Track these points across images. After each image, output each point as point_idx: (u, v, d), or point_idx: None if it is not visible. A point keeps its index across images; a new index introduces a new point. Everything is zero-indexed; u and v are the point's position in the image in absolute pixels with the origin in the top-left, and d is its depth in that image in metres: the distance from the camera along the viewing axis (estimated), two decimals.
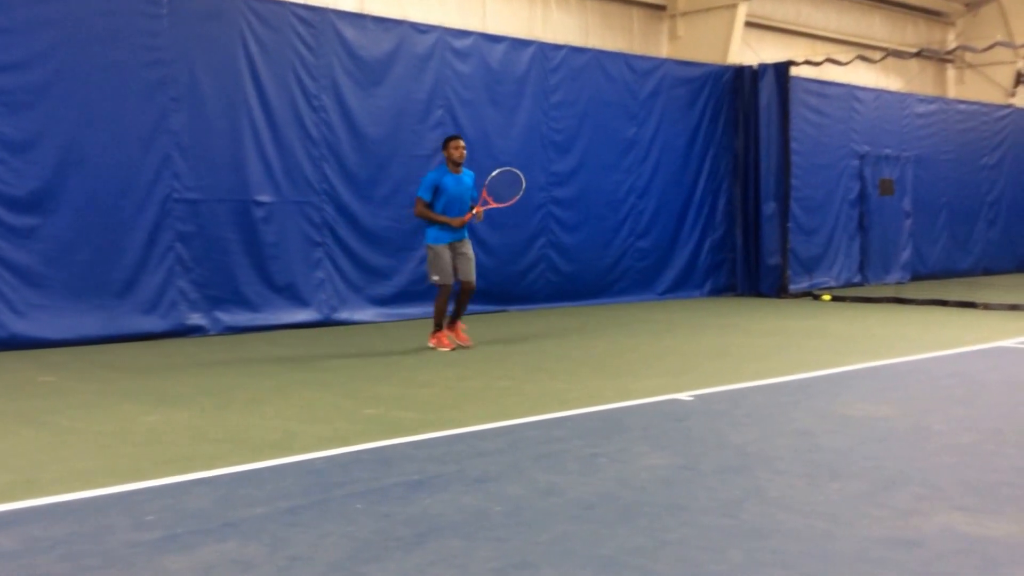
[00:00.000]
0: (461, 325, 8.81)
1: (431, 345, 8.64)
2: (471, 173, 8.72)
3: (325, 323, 10.33)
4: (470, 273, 8.62)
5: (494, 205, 8.71)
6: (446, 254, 8.49)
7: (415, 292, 11.17)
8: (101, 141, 8.99)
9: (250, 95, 9.91)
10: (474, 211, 8.53)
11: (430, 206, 8.44)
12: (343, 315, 10.53)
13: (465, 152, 8.57)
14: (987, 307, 12.20)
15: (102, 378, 7.16)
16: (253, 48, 9.93)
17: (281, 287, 10.09)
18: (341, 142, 10.60)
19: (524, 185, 8.82)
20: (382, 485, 4.24)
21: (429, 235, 8.54)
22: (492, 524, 3.71)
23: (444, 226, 8.44)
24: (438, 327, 8.63)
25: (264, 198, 10.01)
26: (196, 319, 9.47)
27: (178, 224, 9.43)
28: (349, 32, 10.65)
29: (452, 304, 8.70)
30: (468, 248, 8.64)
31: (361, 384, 6.94)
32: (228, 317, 9.67)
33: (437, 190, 8.43)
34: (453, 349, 8.55)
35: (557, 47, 12.64)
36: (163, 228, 9.34)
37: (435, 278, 8.53)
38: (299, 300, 10.23)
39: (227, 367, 7.69)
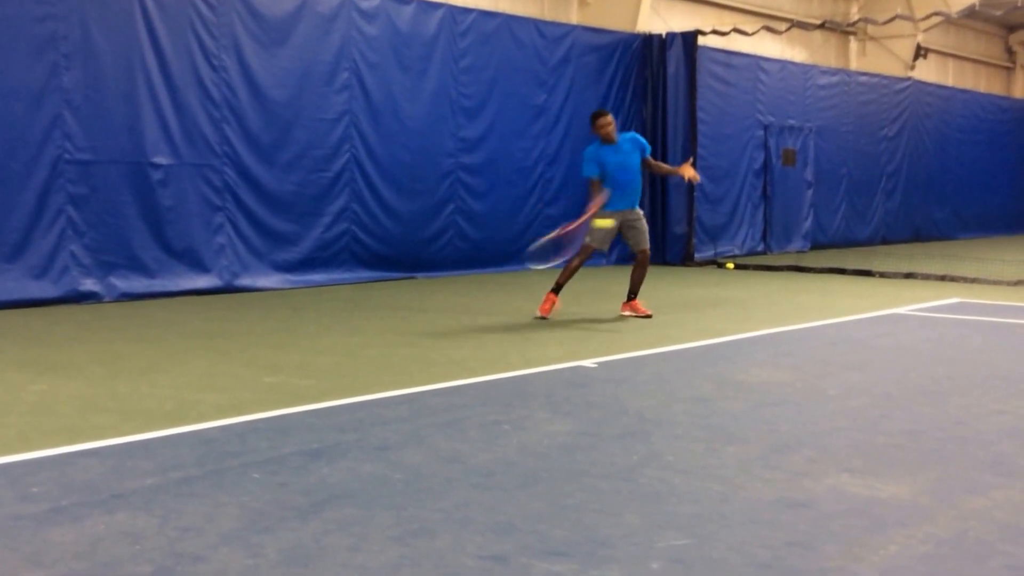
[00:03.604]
0: (637, 300, 8.72)
1: (626, 312, 8.63)
2: (630, 136, 8.68)
3: (226, 289, 10.07)
4: (643, 242, 8.59)
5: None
6: (608, 223, 8.42)
7: (321, 259, 10.99)
8: None
9: (146, 53, 9.51)
10: (684, 172, 8.73)
11: (599, 181, 8.37)
12: (245, 281, 10.28)
13: (612, 128, 8.48)
14: (883, 275, 12.63)
15: None
16: (149, 3, 9.52)
17: (179, 252, 9.78)
18: (243, 104, 10.29)
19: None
20: (279, 454, 4.16)
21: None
22: (391, 492, 3.68)
23: (609, 196, 8.34)
24: (557, 289, 8.46)
25: (161, 160, 9.65)
26: (89, 285, 9.11)
27: (69, 186, 9.03)
28: None
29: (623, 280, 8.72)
30: (640, 219, 8.59)
31: (261, 351, 6.80)
32: (123, 283, 9.34)
33: (599, 165, 8.38)
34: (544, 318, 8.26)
35: (467, 11, 12.49)
36: (54, 190, 8.93)
37: (586, 239, 8.42)
38: (199, 266, 9.94)
39: (121, 335, 7.44)
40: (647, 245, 8.65)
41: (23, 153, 8.75)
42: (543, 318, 8.31)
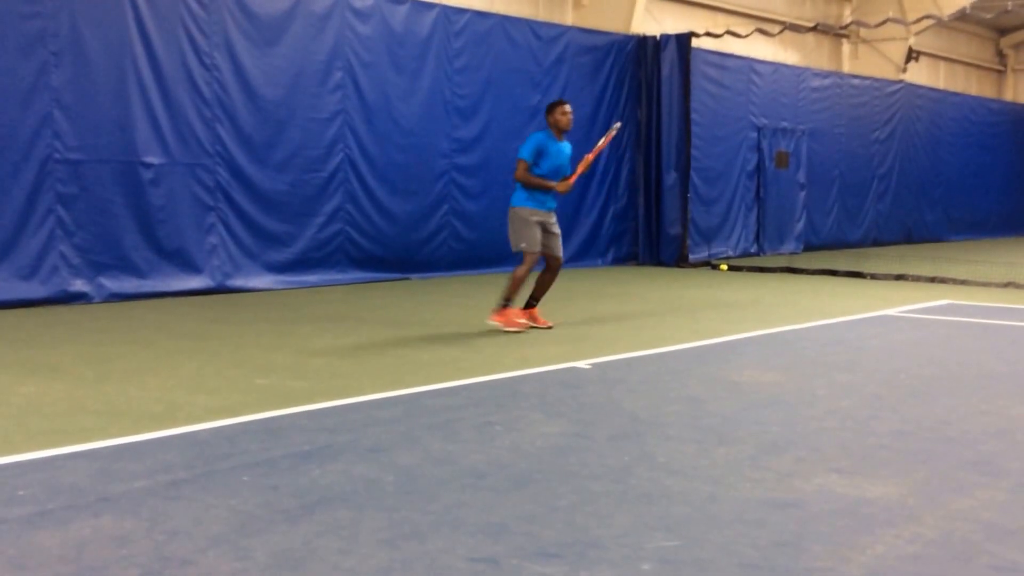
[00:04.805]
0: (537, 309, 7.97)
1: (495, 323, 7.65)
2: (569, 144, 7.99)
3: (218, 290, 10.03)
4: (559, 248, 7.90)
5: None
6: (533, 218, 7.71)
7: (314, 259, 10.96)
8: None
9: (137, 51, 9.47)
10: (580, 168, 7.86)
11: (530, 170, 7.67)
12: (237, 282, 10.24)
13: (569, 121, 7.83)
14: (874, 277, 12.65)
15: None
16: (140, 1, 9.48)
17: (170, 252, 9.74)
18: (235, 103, 10.25)
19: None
20: (270, 456, 4.13)
21: (519, 198, 7.71)
22: (383, 494, 3.66)
23: (541, 195, 7.68)
24: (506, 303, 7.64)
25: (152, 159, 9.61)
26: (79, 285, 9.07)
27: (59, 186, 8.98)
28: None
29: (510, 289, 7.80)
30: (556, 224, 7.89)
31: (252, 353, 6.76)
32: (114, 284, 9.29)
33: (540, 155, 7.68)
34: (526, 331, 7.60)
35: (461, 11, 12.47)
36: (43, 190, 8.88)
37: (523, 245, 7.68)
38: (190, 266, 9.90)
39: (110, 336, 7.40)
40: (562, 252, 7.99)
41: (12, 152, 8.70)
42: (501, 329, 7.66)
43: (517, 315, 7.74)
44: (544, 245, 7.84)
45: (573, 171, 7.99)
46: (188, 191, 9.90)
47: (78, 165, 9.11)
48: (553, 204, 7.87)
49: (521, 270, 7.72)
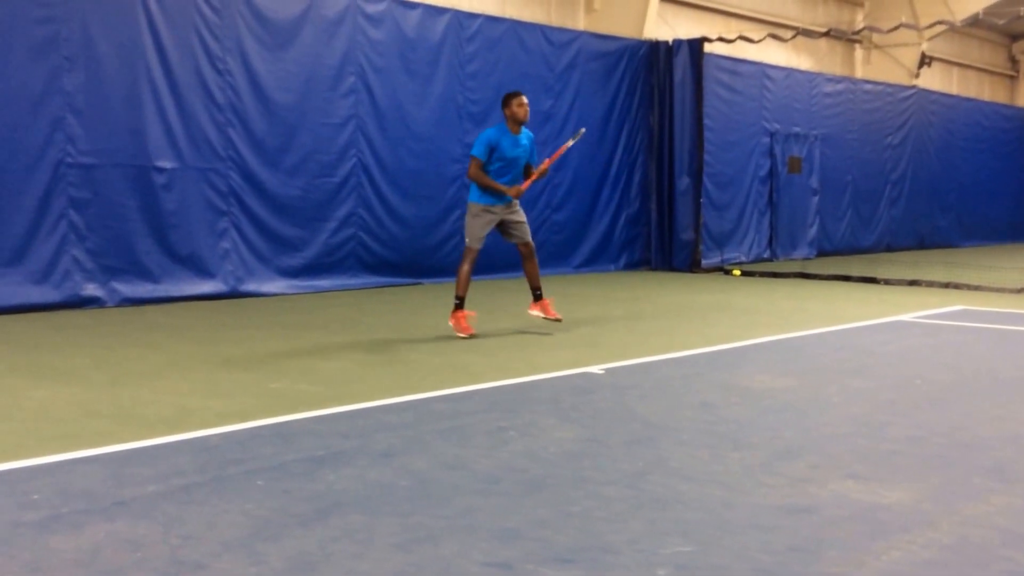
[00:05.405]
0: (548, 299, 7.95)
1: (451, 326, 7.68)
2: (530, 134, 7.85)
3: (231, 295, 10.05)
4: (526, 234, 7.82)
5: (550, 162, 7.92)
6: (485, 216, 7.66)
7: (327, 264, 10.97)
8: None
9: (150, 55, 9.50)
10: (534, 175, 7.71)
11: (485, 167, 7.58)
12: (250, 287, 10.26)
13: (526, 113, 7.66)
14: (887, 283, 12.60)
15: None
16: (152, 5, 9.50)
17: (183, 257, 9.76)
18: (247, 107, 10.28)
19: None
20: (283, 461, 4.13)
21: (474, 194, 7.69)
22: (396, 499, 3.65)
23: (495, 190, 7.62)
24: (458, 302, 7.65)
25: (164, 164, 9.64)
26: (92, 290, 9.09)
27: (71, 190, 9.01)
28: None
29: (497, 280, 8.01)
30: (519, 212, 7.81)
31: (264, 358, 6.76)
32: (126, 288, 9.32)
33: (493, 151, 7.56)
34: (472, 336, 7.53)
35: (473, 16, 12.49)
36: (55, 194, 8.91)
37: (467, 240, 7.73)
38: (203, 271, 9.92)
39: (122, 340, 7.41)
40: (530, 237, 7.90)
41: (24, 156, 8.73)
42: (472, 336, 7.54)
43: (469, 322, 7.68)
44: (511, 236, 7.85)
45: (540, 161, 7.98)
46: (201, 195, 9.93)
47: (91, 169, 9.14)
48: (506, 199, 7.72)
49: (462, 267, 7.71)
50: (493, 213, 7.73)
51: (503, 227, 7.86)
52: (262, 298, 10.19)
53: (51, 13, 8.83)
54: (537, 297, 7.99)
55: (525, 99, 7.75)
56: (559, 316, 8.02)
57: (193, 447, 4.36)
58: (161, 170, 9.62)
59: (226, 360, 6.64)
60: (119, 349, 7.02)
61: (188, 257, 9.80)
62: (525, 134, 7.82)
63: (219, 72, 10.03)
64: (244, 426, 4.73)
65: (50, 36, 8.83)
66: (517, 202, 7.86)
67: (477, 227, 7.72)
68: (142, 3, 9.44)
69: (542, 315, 7.98)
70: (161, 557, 3.06)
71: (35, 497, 3.62)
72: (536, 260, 8.00)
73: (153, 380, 5.86)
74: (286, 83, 10.57)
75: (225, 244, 10.11)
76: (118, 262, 9.29)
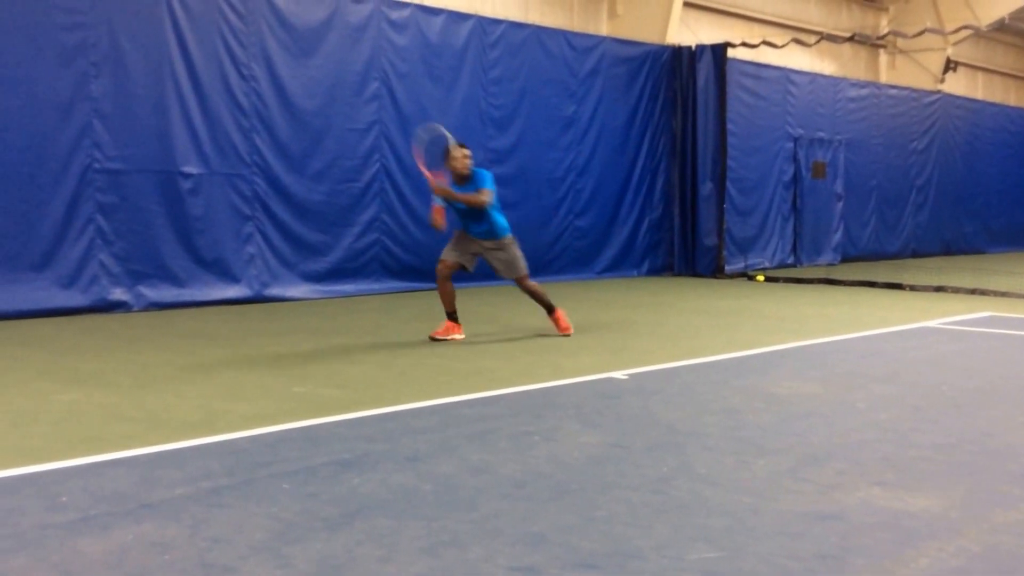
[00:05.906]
0: (559, 311, 8.06)
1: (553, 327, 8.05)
2: (484, 174, 7.93)
3: (256, 299, 10.12)
4: (514, 271, 7.93)
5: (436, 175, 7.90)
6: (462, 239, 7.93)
7: (350, 269, 11.02)
8: (15, 108, 8.62)
9: (176, 61, 9.60)
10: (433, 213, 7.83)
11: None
12: (275, 291, 10.33)
13: (463, 163, 7.76)
14: (913, 289, 12.48)
15: (16, 355, 6.90)
16: (179, 12, 9.61)
17: (209, 262, 9.84)
18: (272, 113, 10.36)
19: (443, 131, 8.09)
20: (310, 464, 4.15)
21: (504, 225, 7.97)
22: (422, 503, 3.66)
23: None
24: (550, 310, 8.01)
25: (190, 169, 9.73)
26: (118, 294, 9.19)
27: (98, 195, 9.12)
28: None
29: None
30: (501, 248, 7.91)
31: (290, 361, 6.80)
32: (153, 292, 9.41)
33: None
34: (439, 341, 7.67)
35: (496, 21, 12.52)
36: (83, 199, 9.02)
37: (525, 269, 7.96)
38: (228, 275, 9.99)
39: (149, 344, 7.47)
40: (522, 272, 7.92)
41: (52, 162, 8.84)
42: (440, 339, 7.73)
43: (455, 331, 7.89)
44: (495, 272, 8.08)
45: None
46: (226, 201, 10.01)
47: (118, 175, 9.24)
48: (475, 232, 7.93)
49: (533, 286, 8.03)
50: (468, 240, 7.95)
51: (486, 259, 7.99)
52: (287, 303, 10.25)
53: (79, 20, 8.93)
54: (550, 312, 8.09)
55: (464, 152, 7.80)
56: (570, 330, 8.07)
57: (220, 450, 4.39)
58: (187, 175, 9.71)
59: (252, 364, 6.68)
60: (145, 353, 7.07)
61: (214, 262, 9.88)
62: (478, 175, 7.80)
63: (244, 78, 10.11)
64: (270, 429, 4.75)
65: (78, 43, 8.94)
66: (504, 239, 7.93)
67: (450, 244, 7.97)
68: (168, 10, 9.54)
69: (556, 327, 8.07)
70: (188, 559, 3.09)
71: (64, 499, 3.65)
72: (534, 288, 8.02)
73: (179, 384, 5.90)
74: (311, 89, 10.64)
75: (250, 249, 10.18)
76: (144, 267, 9.38)
